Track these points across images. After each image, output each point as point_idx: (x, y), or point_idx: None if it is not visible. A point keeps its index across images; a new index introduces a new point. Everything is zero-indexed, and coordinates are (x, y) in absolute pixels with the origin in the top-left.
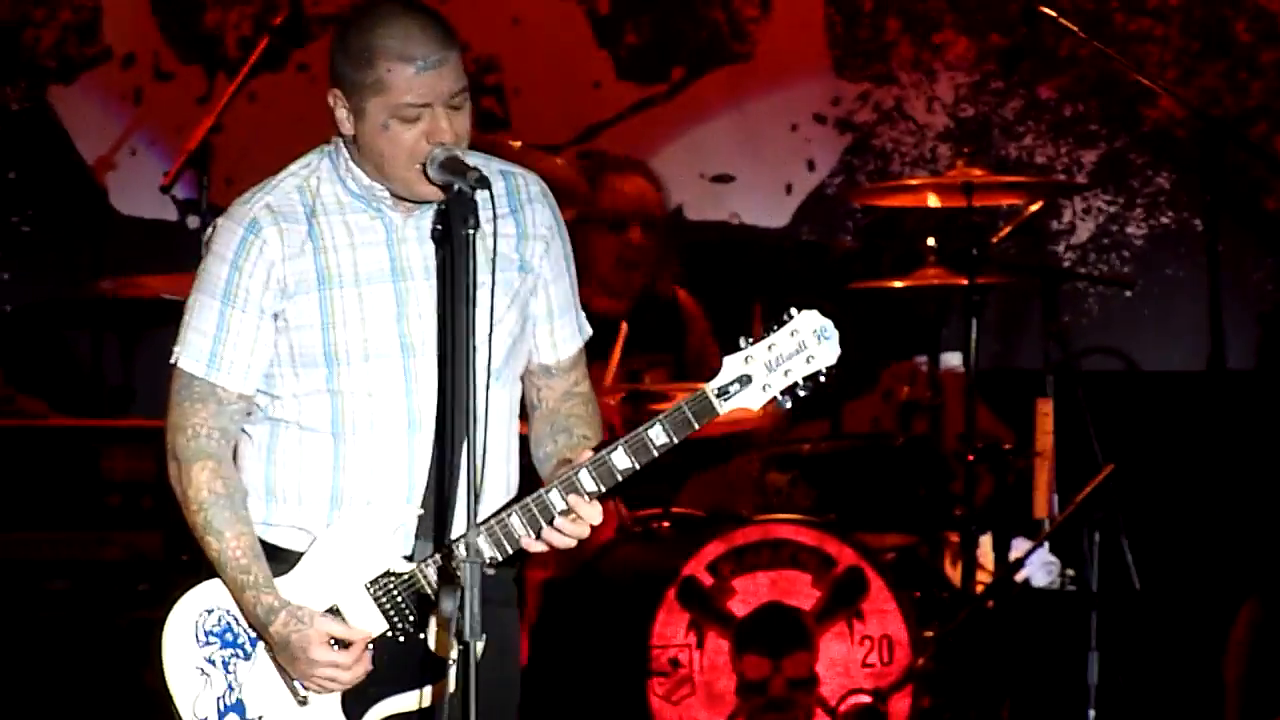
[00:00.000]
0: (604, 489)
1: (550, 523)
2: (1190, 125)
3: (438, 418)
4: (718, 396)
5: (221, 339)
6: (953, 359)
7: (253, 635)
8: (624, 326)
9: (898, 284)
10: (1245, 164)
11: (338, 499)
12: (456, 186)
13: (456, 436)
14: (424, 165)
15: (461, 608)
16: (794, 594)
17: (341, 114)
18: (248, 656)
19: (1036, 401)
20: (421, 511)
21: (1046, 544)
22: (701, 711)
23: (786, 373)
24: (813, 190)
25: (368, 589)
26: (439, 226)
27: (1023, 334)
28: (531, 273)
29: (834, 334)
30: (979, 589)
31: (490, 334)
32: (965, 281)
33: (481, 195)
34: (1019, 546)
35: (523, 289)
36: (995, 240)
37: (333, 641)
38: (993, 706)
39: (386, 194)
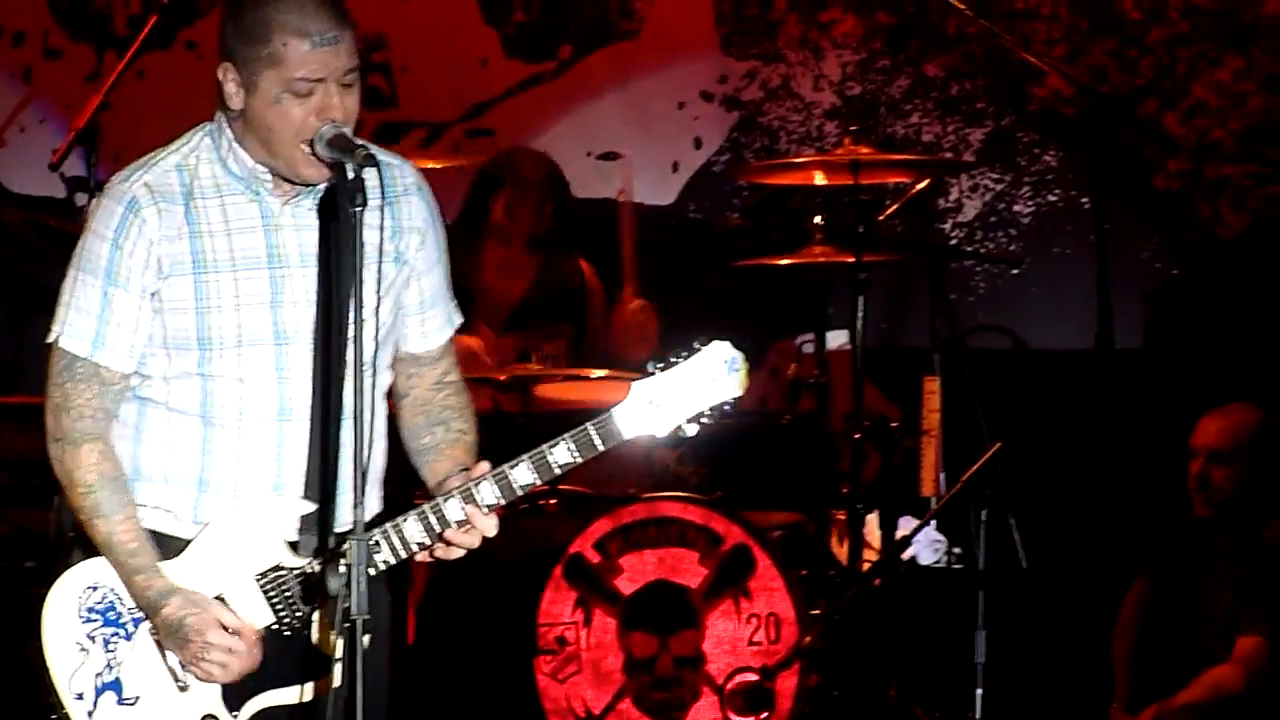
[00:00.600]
0: (504, 502)
1: (443, 531)
2: (1078, 103)
3: (313, 406)
4: (623, 421)
5: (106, 319)
6: (839, 337)
7: (136, 616)
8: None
9: (784, 261)
10: (1134, 142)
11: (205, 483)
12: (345, 164)
13: (332, 425)
14: (311, 143)
15: (349, 585)
16: (681, 572)
17: (231, 88)
18: (129, 637)
19: (923, 380)
20: (315, 506)
21: (933, 522)
22: (589, 689)
23: (694, 401)
24: (700, 168)
25: (257, 580)
26: (323, 214)
27: (910, 312)
28: (406, 265)
29: (742, 366)
30: (866, 567)
31: (362, 325)
32: (852, 259)
33: (372, 180)
34: (906, 525)
35: (397, 280)
36: (882, 218)
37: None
38: (880, 685)
39: (269, 177)
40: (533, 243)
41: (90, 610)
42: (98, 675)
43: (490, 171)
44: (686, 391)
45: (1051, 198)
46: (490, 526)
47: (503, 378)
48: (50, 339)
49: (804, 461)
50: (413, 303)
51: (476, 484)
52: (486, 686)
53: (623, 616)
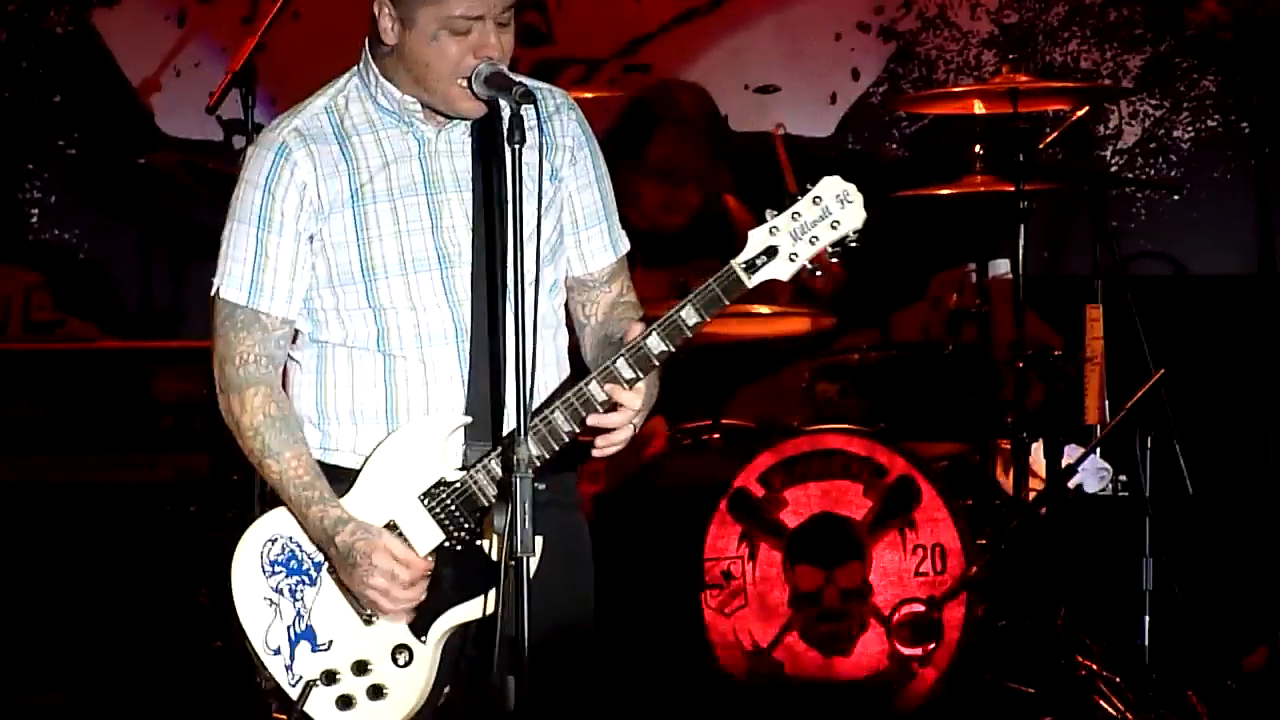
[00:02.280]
0: (641, 375)
1: (588, 415)
2: (1235, 27)
3: (478, 326)
4: (745, 270)
5: (260, 264)
6: (1001, 266)
7: (317, 559)
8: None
9: (944, 192)
10: None
11: (393, 415)
12: (504, 102)
13: (497, 345)
14: (469, 79)
15: (512, 523)
16: (845, 504)
17: (386, 23)
18: (313, 582)
19: (1086, 307)
20: (470, 419)
21: (1098, 450)
22: (755, 623)
23: (813, 240)
24: (857, 99)
25: (422, 501)
26: (477, 140)
27: (1071, 240)
28: (560, 182)
29: (858, 197)
30: (1031, 496)
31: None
32: (1012, 188)
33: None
34: (1071, 453)
35: (556, 198)
36: (1041, 146)
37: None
38: (1047, 614)
39: (418, 108)
40: (698, 180)
41: (273, 563)
42: (289, 627)
43: (646, 105)
44: (804, 231)
45: (1211, 123)
46: (634, 400)
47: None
48: (212, 291)
49: (967, 391)
50: (568, 222)
51: (614, 361)
52: (653, 621)
53: (788, 550)
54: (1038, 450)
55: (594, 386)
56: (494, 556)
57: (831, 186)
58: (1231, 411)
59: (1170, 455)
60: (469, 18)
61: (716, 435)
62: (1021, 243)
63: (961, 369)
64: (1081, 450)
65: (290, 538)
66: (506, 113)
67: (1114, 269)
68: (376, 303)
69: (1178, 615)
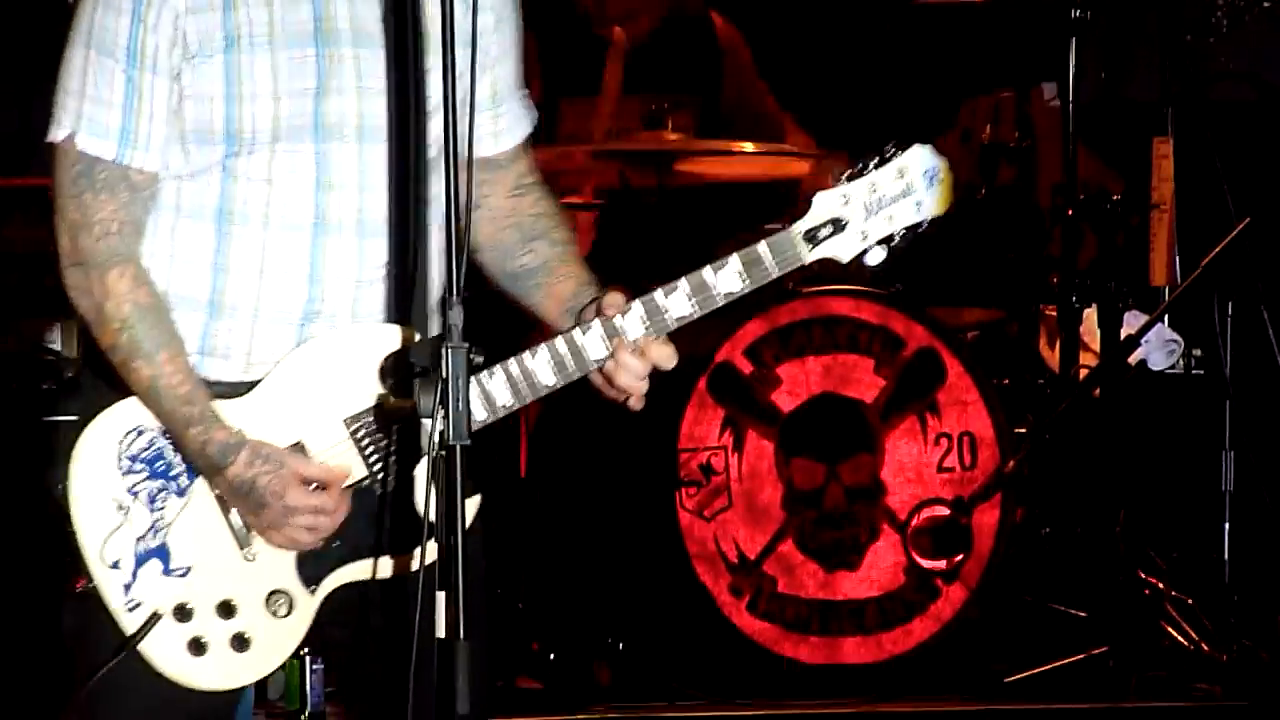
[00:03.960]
0: (654, 333)
1: (579, 368)
2: None
3: (377, 215)
4: (805, 241)
5: (134, 107)
6: (1048, 90)
7: (192, 468)
8: (618, 35)
9: None
10: None
11: (217, 305)
12: None
13: (396, 240)
14: None
15: (444, 402)
16: (852, 383)
17: None
18: (181, 492)
19: (1153, 141)
20: (418, 336)
21: (1166, 317)
22: (741, 528)
23: (890, 219)
24: None
25: (346, 425)
26: None
27: (1135, 56)
28: (477, 51)
29: (949, 177)
30: (1083, 374)
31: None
32: None
33: None
34: (1133, 321)
35: (484, 64)
36: None
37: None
38: (1104, 520)
39: None
40: None
41: (133, 460)
42: (139, 540)
43: None
44: (881, 206)
45: None
46: (640, 369)
47: (632, 148)
48: (57, 137)
49: (1004, 245)
50: (484, 95)
51: (624, 314)
52: (617, 527)
53: (782, 439)
54: (1091, 317)
55: (593, 337)
56: (419, 509)
57: (921, 159)
58: None
59: (1257, 325)
60: None
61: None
62: (1072, 61)
63: (997, 217)
64: (1145, 318)
65: (162, 431)
66: None
67: (1188, 93)
68: (231, 169)
69: (1266, 523)
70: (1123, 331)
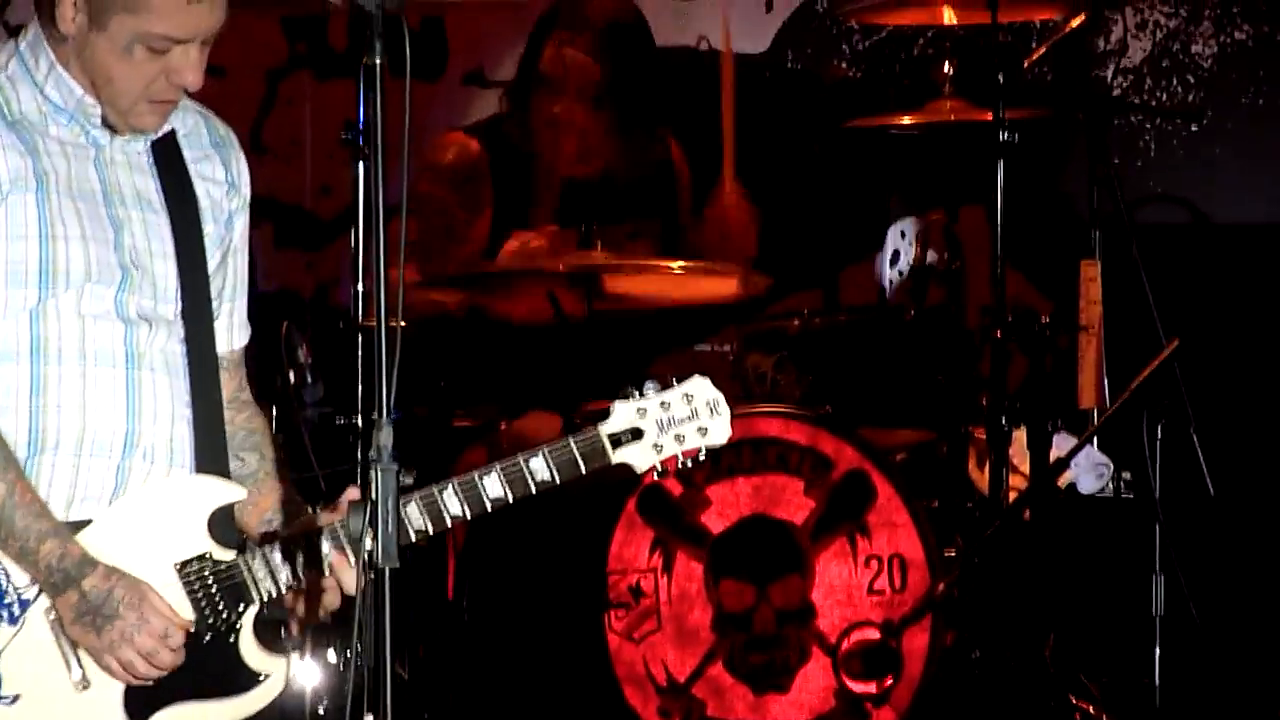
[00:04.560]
0: (469, 516)
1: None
2: None
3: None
4: (611, 443)
5: None
6: (976, 213)
7: (25, 596)
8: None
9: (906, 121)
10: None
11: (37, 442)
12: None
13: (206, 397)
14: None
15: (374, 524)
16: (782, 504)
17: (68, 11)
18: (14, 621)
19: (1081, 264)
20: (244, 494)
21: (1095, 440)
22: (670, 650)
23: (678, 438)
24: (800, 6)
25: (178, 570)
26: (158, 158)
27: (1063, 181)
28: (231, 232)
29: (726, 412)
30: (1012, 497)
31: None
32: (990, 117)
33: (187, 129)
34: (1061, 444)
35: (228, 251)
36: (1027, 64)
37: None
38: (1034, 643)
39: (97, 110)
40: (598, 102)
41: None
42: None
43: (546, 11)
44: (671, 425)
45: (1239, 35)
46: (349, 582)
47: (561, 268)
48: None
49: (934, 367)
50: (226, 284)
51: (442, 490)
52: (545, 649)
53: (711, 560)
54: (1020, 440)
55: (451, 497)
56: (245, 657)
57: (703, 390)
58: (1262, 393)
59: (1186, 447)
60: (174, 39)
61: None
62: (1001, 184)
63: (926, 339)
64: (1075, 440)
65: None
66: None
67: (1116, 216)
68: (43, 309)
69: (1196, 646)
70: (1052, 454)
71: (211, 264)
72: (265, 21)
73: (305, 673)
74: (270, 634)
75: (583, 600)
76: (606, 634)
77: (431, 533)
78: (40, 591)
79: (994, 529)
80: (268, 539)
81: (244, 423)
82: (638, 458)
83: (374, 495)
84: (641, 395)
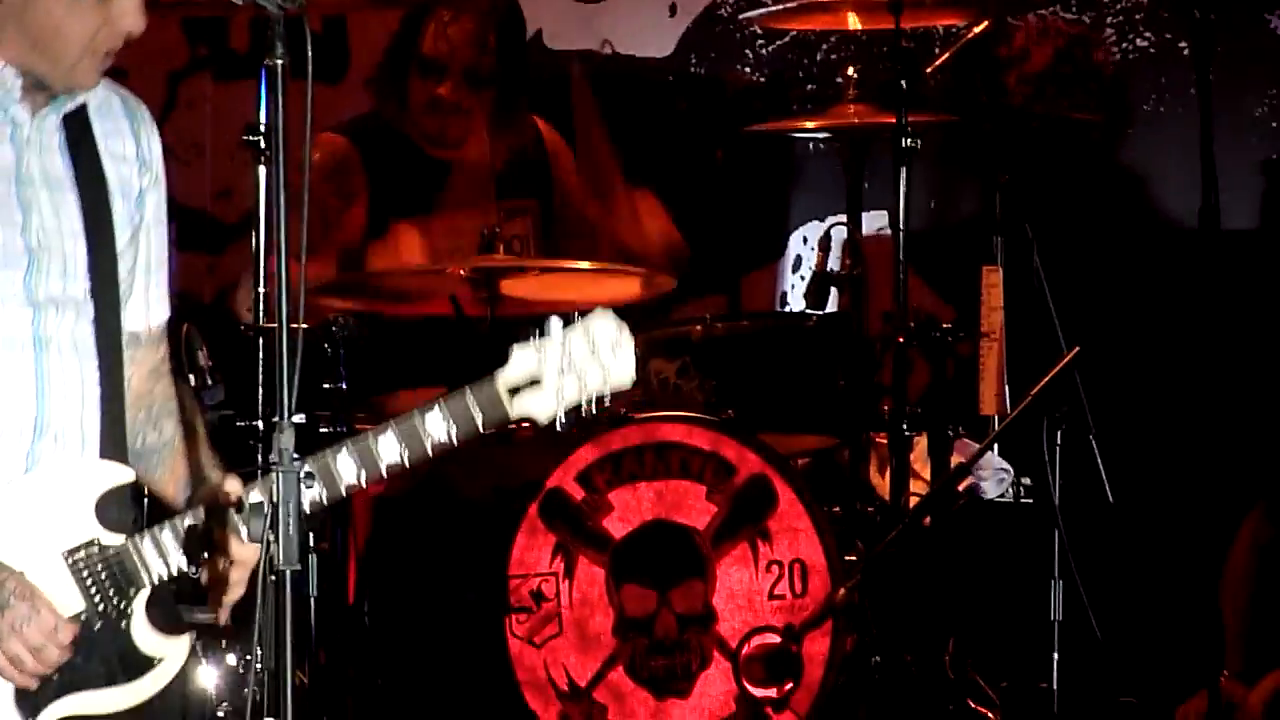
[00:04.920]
0: (365, 483)
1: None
2: None
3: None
4: (510, 394)
5: None
6: (878, 219)
7: None
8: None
9: (810, 125)
10: None
11: None
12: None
13: (113, 379)
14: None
15: (274, 526)
16: (684, 509)
17: None
18: None
19: (982, 270)
20: (131, 475)
21: (996, 446)
22: (571, 654)
23: (580, 381)
24: (703, 10)
25: (66, 558)
26: (67, 134)
27: (964, 187)
28: (144, 210)
29: (630, 346)
30: (913, 502)
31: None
32: (893, 121)
33: (98, 101)
34: (962, 450)
35: (139, 228)
36: (930, 70)
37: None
38: (933, 648)
39: (19, 87)
40: (473, 81)
41: None
42: None
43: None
44: (569, 368)
45: (1141, 42)
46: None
47: (463, 271)
48: None
49: (835, 373)
50: (140, 260)
51: (335, 452)
52: (446, 654)
53: (613, 565)
54: (921, 446)
55: (345, 462)
56: (138, 642)
57: (605, 326)
58: (1162, 399)
59: (1086, 453)
60: None
61: (525, 424)
62: (903, 190)
63: (828, 346)
64: (975, 446)
65: None
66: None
67: (1018, 223)
68: None
69: (1093, 651)
70: (952, 460)
71: (121, 242)
72: (166, 23)
73: (205, 675)
74: (165, 616)
75: (484, 605)
76: (508, 638)
77: (326, 502)
78: None
79: (895, 534)
80: (158, 521)
81: (162, 392)
82: (538, 407)
83: (275, 498)
84: (542, 335)
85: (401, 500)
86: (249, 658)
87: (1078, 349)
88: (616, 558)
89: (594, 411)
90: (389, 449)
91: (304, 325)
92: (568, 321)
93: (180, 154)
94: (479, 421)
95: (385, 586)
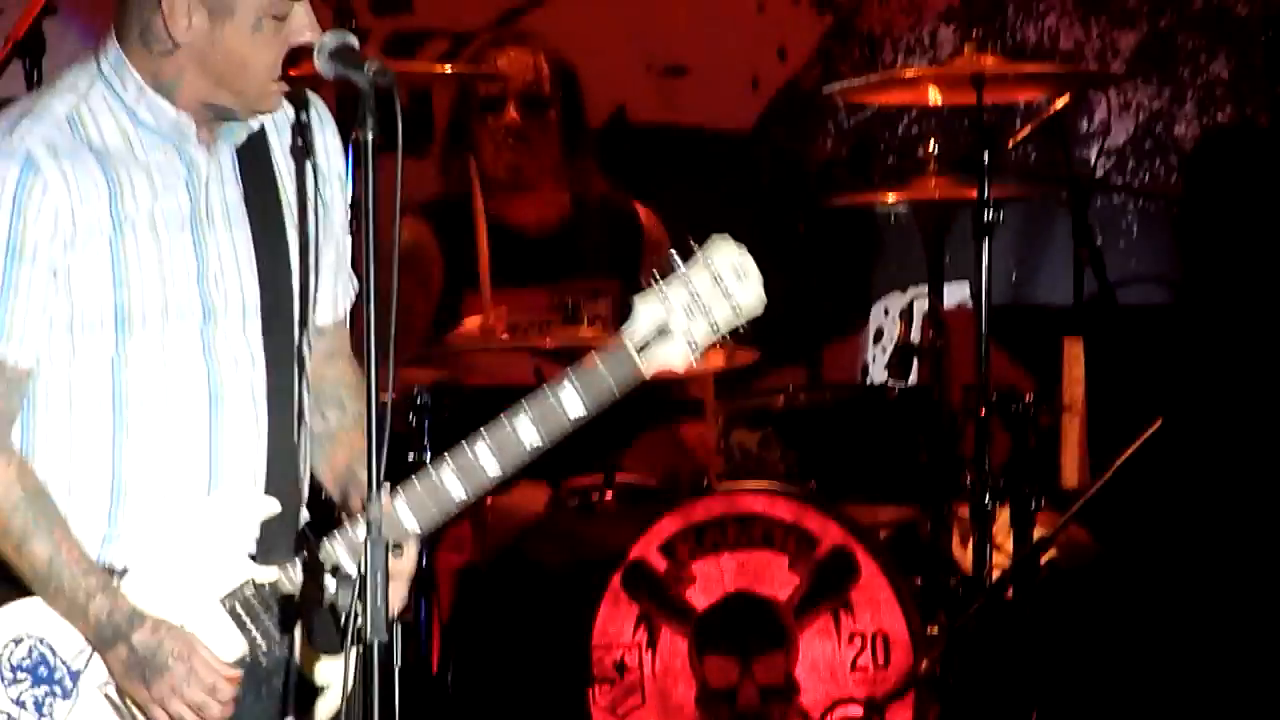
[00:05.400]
0: (503, 471)
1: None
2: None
3: (251, 390)
4: (640, 353)
5: (9, 304)
6: (959, 291)
7: (74, 668)
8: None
9: (891, 198)
10: None
11: (121, 490)
12: (356, 81)
13: (285, 411)
14: (313, 59)
15: (362, 597)
16: (767, 580)
17: (180, 16)
18: (67, 695)
19: (1064, 342)
20: (279, 506)
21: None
22: None
23: (710, 322)
24: (785, 84)
25: (224, 604)
26: (243, 164)
27: (1046, 260)
28: (330, 217)
29: (755, 272)
30: (996, 574)
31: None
32: (975, 195)
33: (274, 117)
34: (1045, 522)
35: (330, 233)
36: (1011, 144)
37: None
38: (1017, 718)
39: (194, 127)
40: (532, 105)
41: (15, 669)
42: None
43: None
44: (699, 309)
45: (1221, 117)
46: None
47: (550, 344)
48: None
49: (917, 445)
50: (329, 262)
51: (472, 444)
52: None
53: (696, 636)
54: (1004, 517)
55: (481, 448)
56: (303, 669)
57: (726, 253)
58: (1246, 470)
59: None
60: None
61: (609, 495)
62: (985, 262)
63: (910, 417)
64: (1059, 518)
65: (40, 639)
66: (313, 113)
67: (1100, 296)
68: (122, 353)
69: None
70: (1035, 532)
71: (311, 257)
72: None
73: None
74: (328, 638)
75: (567, 675)
76: (591, 709)
77: (471, 499)
78: (88, 660)
79: (978, 605)
80: (308, 545)
81: (335, 377)
82: (672, 357)
83: (364, 569)
84: (663, 280)
85: (485, 571)
86: None
87: (1160, 420)
88: (699, 628)
89: (726, 343)
90: (527, 432)
91: (390, 398)
92: (686, 255)
93: None
94: (613, 385)
95: (469, 656)
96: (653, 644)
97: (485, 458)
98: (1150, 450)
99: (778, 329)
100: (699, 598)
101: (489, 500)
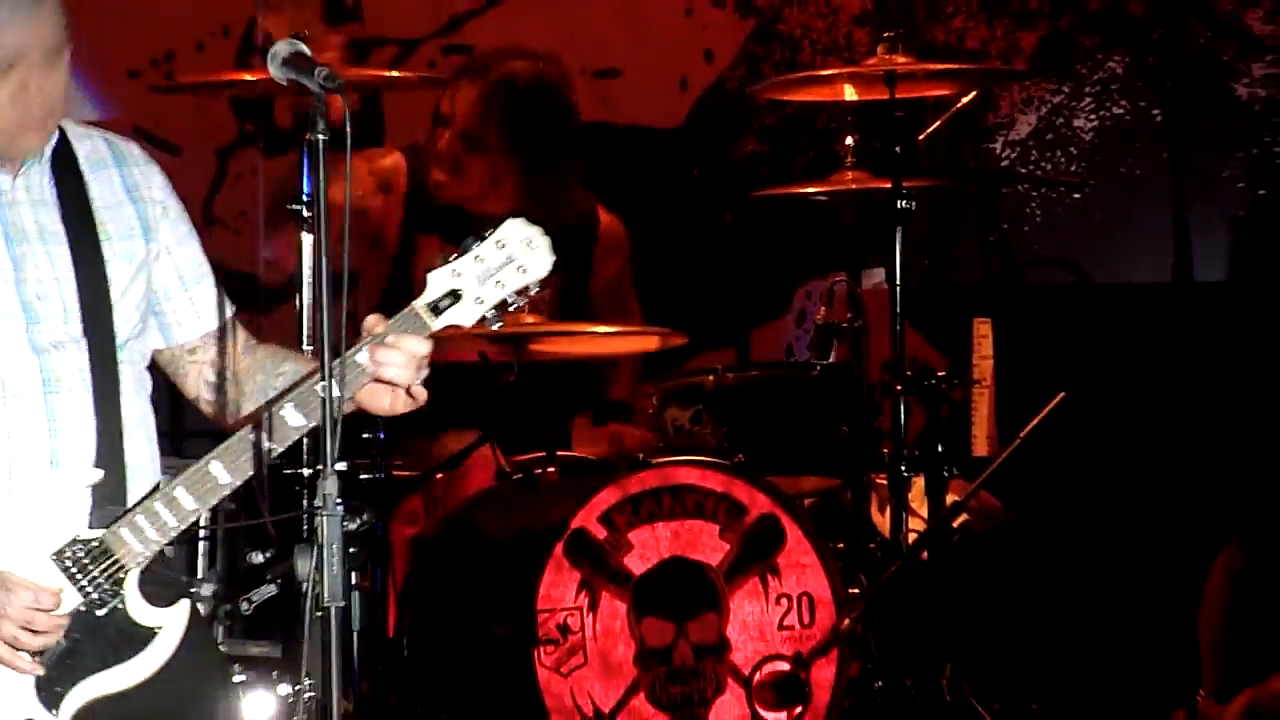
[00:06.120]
0: (307, 421)
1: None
2: (1146, 0)
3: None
4: (429, 312)
5: None
6: (876, 275)
7: None
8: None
9: (811, 190)
10: (1210, 44)
11: None
12: (307, 85)
13: (108, 396)
14: (268, 59)
15: (320, 567)
16: (699, 547)
17: None
18: None
19: (973, 322)
20: (101, 473)
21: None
22: (596, 683)
23: (499, 284)
24: (711, 85)
25: (54, 560)
26: (56, 182)
27: (956, 245)
28: (154, 241)
29: (543, 242)
30: (911, 538)
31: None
32: (889, 185)
33: (86, 152)
34: (956, 489)
35: (148, 258)
36: (922, 138)
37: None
38: (931, 672)
39: None
40: (470, 143)
41: None
42: None
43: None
44: (487, 276)
45: (1117, 110)
46: (398, 358)
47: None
48: None
49: (838, 419)
50: (172, 281)
51: (279, 402)
52: (479, 683)
53: (634, 599)
54: (919, 486)
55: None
56: (134, 617)
57: (516, 230)
58: (1141, 441)
59: (1073, 484)
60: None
61: (551, 469)
62: (899, 248)
63: (831, 393)
64: (969, 485)
65: None
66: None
67: (1006, 277)
68: None
69: (1081, 674)
70: (947, 498)
71: (121, 281)
72: (216, 102)
73: (260, 705)
74: (157, 590)
75: (514, 637)
76: (536, 668)
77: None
78: None
79: (895, 568)
80: (129, 510)
81: (263, 355)
82: (462, 316)
83: (321, 540)
84: (457, 257)
85: (436, 541)
86: (299, 688)
87: (1063, 395)
88: (637, 593)
89: (520, 303)
90: (294, 418)
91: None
92: (480, 238)
93: (230, 223)
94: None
95: (423, 621)
96: (594, 607)
97: (291, 415)
98: (1054, 422)
99: (709, 313)
100: (636, 564)
101: (439, 475)
